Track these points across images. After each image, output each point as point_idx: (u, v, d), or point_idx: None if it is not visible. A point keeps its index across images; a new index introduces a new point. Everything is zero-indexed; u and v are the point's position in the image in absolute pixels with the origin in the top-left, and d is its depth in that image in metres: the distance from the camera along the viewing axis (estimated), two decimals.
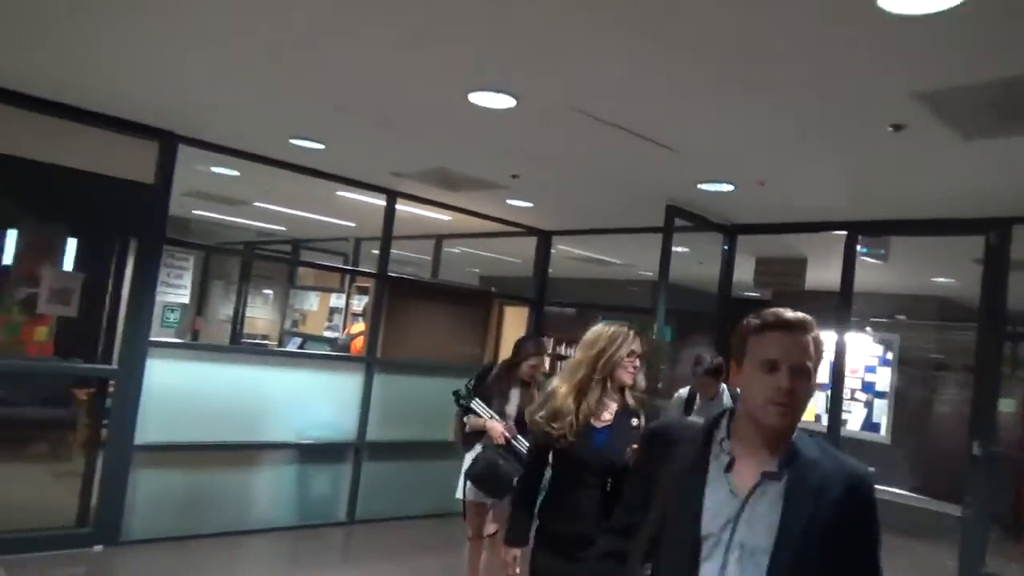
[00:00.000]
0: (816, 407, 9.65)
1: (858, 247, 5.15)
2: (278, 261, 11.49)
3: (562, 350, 11.17)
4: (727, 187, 4.58)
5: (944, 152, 3.39)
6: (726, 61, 2.69)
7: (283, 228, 10.30)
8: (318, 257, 11.22)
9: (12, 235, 6.24)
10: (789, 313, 1.47)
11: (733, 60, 2.68)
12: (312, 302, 11.89)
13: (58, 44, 3.40)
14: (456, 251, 9.92)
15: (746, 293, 10.44)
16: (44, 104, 4.42)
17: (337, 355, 7.68)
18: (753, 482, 1.44)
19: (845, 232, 5.10)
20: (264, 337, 11.59)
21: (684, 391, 4.92)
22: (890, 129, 3.18)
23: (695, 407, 4.77)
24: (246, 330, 11.37)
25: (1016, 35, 2.25)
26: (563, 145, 4.12)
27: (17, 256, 6.11)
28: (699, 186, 4.62)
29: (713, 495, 1.46)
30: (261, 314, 12.30)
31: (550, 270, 7.59)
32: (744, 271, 6.85)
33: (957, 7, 2.08)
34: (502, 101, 3.41)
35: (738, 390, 1.55)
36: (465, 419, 4.17)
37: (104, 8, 2.88)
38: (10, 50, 3.58)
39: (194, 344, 7.95)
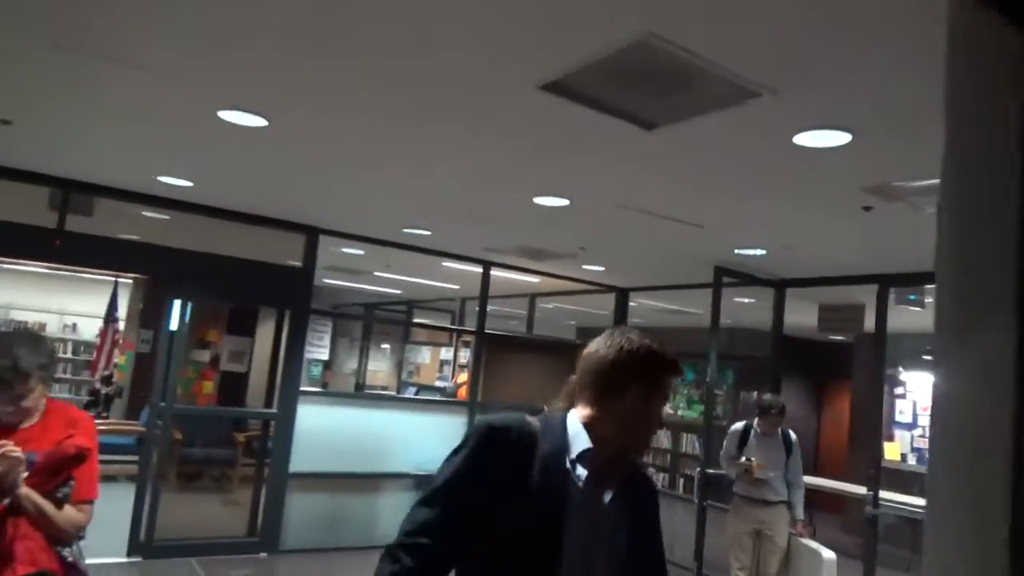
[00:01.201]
0: (902, 446, 9.98)
1: (892, 295, 5.83)
2: (394, 323, 12.96)
3: None
4: (759, 251, 5.46)
5: (915, 220, 4.17)
6: (727, 174, 3.70)
7: (399, 292, 11.77)
8: (429, 315, 12.65)
9: (182, 307, 7.86)
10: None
11: (731, 172, 3.68)
12: (425, 355, 13.27)
13: (253, 179, 4.83)
14: (550, 307, 11.02)
15: (831, 337, 10.95)
16: (227, 213, 5.93)
17: (445, 400, 8.89)
18: (605, 496, 1.55)
19: (877, 284, 5.80)
20: (384, 388, 13.03)
21: (740, 425, 5.48)
22: (863, 209, 4.03)
23: (748, 441, 5.37)
24: (368, 381, 12.86)
25: (900, 154, 3.15)
26: (612, 227, 5.17)
27: (192, 325, 7.69)
28: (735, 251, 5.52)
29: (574, 514, 1.48)
30: (381, 367, 13.81)
31: (638, 320, 8.50)
32: (809, 316, 7.54)
33: (849, 143, 3.02)
34: (559, 202, 4.53)
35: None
36: None
37: (288, 158, 4.24)
38: (221, 182, 5.06)
39: (334, 392, 9.39)
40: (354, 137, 3.68)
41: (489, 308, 7.63)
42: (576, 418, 1.56)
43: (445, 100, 3.04)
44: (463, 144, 3.61)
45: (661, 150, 3.36)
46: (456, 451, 1.52)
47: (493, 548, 1.45)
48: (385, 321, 13.26)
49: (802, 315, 7.47)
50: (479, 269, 7.43)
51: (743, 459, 5.25)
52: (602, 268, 7.09)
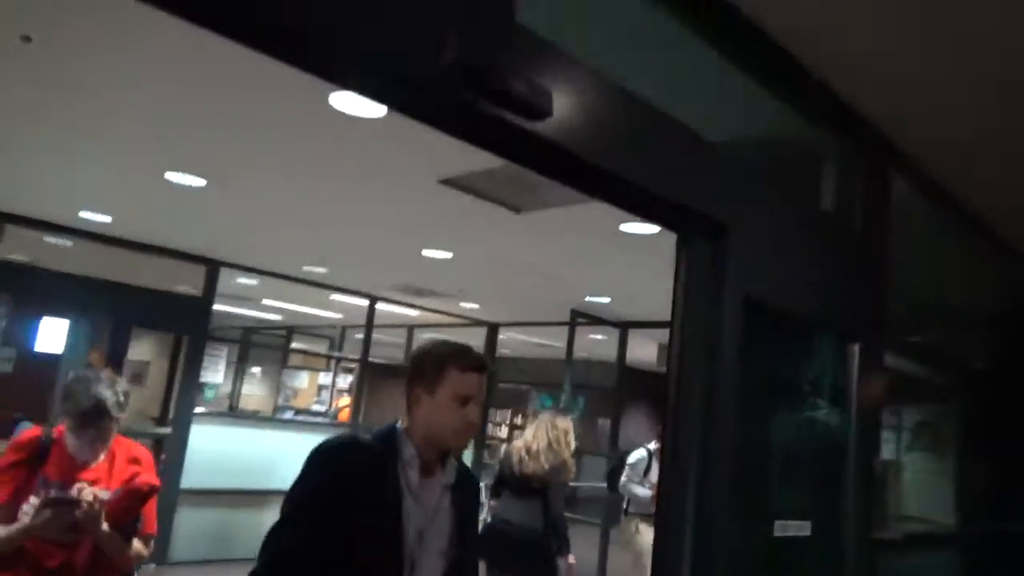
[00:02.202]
0: None
1: None
2: (277, 349, 13.29)
3: (517, 420, 13.04)
4: (606, 299, 6.65)
5: None
6: (575, 246, 4.78)
7: (279, 317, 12.21)
8: (309, 341, 13.12)
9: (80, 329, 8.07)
10: (479, 354, 1.77)
11: (578, 245, 4.76)
12: (303, 380, 13.68)
13: (171, 218, 5.43)
14: (428, 336, 11.89)
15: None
16: (135, 244, 6.42)
17: (328, 422, 9.51)
18: (436, 495, 1.73)
19: None
20: (256, 411, 13.26)
21: (642, 452, 5.97)
22: None
23: (652, 465, 5.85)
24: (241, 405, 13.07)
25: None
26: (487, 275, 6.19)
27: (91, 347, 7.94)
28: (586, 299, 6.68)
29: (409, 512, 1.65)
30: (255, 391, 14.03)
31: (507, 351, 9.52)
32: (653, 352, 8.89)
33: (660, 231, 4.15)
34: (444, 255, 5.48)
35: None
36: None
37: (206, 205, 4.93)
38: (140, 219, 5.60)
39: (227, 413, 9.72)
40: (280, 195, 4.46)
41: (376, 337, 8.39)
42: (400, 427, 1.78)
43: (361, 178, 3.92)
44: (371, 209, 4.49)
45: (526, 226, 4.39)
46: (299, 477, 1.68)
47: (342, 553, 1.60)
48: (267, 347, 13.58)
49: (648, 351, 8.79)
50: (365, 302, 8.19)
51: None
52: (477, 306, 8.09)
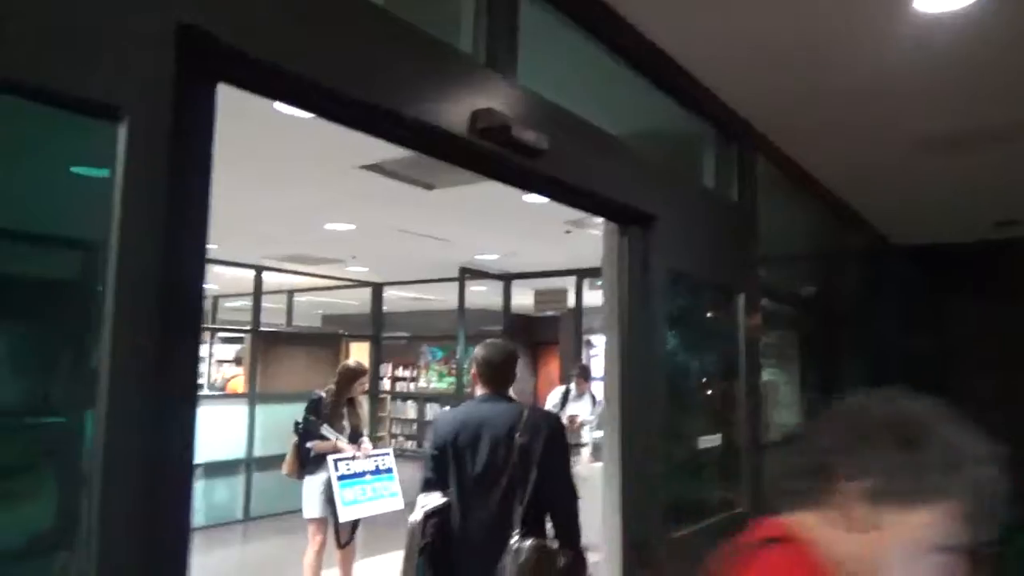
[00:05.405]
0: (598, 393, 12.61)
1: (586, 282, 7.93)
2: None
3: (399, 372, 13.50)
4: (494, 256, 7.17)
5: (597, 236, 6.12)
6: (475, 216, 5.21)
7: None
8: None
9: None
10: None
11: (478, 215, 5.20)
12: None
13: None
14: (303, 300, 11.89)
15: (544, 313, 13.38)
16: None
17: (222, 394, 9.47)
18: None
19: (575, 276, 7.84)
20: None
21: (561, 388, 6.87)
22: (566, 232, 5.84)
23: (568, 399, 6.66)
24: None
25: None
26: (387, 241, 6.50)
27: None
28: (476, 257, 7.17)
29: None
30: None
31: (387, 308, 9.82)
32: (528, 298, 9.56)
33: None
34: (348, 227, 5.74)
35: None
36: (309, 444, 4.51)
37: None
38: None
39: None
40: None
41: (246, 304, 8.36)
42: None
43: (286, 168, 4.13)
44: (290, 195, 4.70)
45: (435, 201, 4.78)
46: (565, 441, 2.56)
47: None
48: None
49: (522, 298, 9.45)
50: (251, 273, 8.19)
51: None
52: (366, 269, 8.34)
